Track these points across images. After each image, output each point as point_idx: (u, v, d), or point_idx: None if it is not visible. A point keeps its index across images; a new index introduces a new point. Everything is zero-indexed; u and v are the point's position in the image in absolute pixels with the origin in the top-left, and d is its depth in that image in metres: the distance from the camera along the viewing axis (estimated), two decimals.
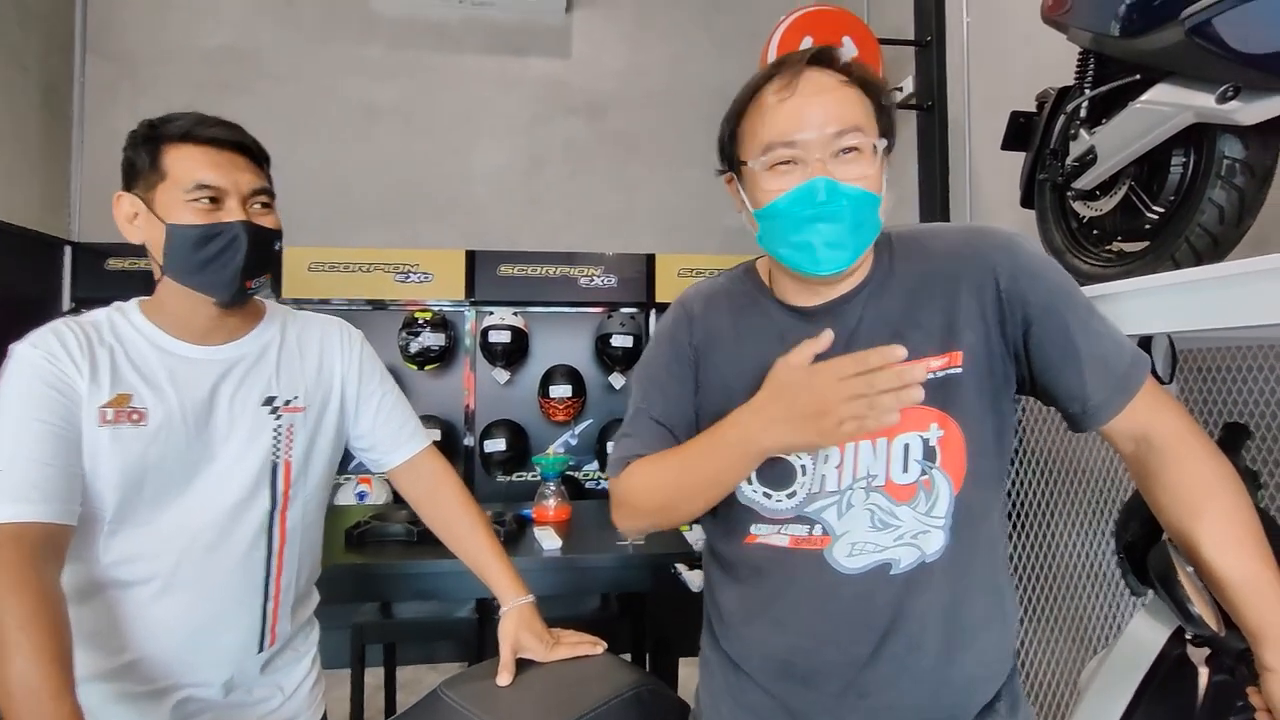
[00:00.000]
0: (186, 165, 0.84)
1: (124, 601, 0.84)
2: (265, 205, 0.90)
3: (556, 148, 3.41)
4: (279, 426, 0.93)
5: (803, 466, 0.74)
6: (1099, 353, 0.71)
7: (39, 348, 0.82)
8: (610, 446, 3.06)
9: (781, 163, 0.70)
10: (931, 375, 0.72)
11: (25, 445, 0.77)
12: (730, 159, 0.78)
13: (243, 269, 0.86)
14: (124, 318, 0.89)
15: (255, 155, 0.90)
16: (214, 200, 0.85)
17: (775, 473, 0.75)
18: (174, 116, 0.87)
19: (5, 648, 0.69)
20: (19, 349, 0.82)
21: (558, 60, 3.42)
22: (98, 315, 0.89)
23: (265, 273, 0.91)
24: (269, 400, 0.93)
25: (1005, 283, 0.73)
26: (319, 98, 3.26)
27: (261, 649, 0.92)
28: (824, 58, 0.72)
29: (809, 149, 0.69)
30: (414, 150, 3.32)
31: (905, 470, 0.72)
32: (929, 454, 0.72)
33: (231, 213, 0.86)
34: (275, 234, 0.91)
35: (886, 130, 0.72)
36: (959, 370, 0.72)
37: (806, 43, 2.41)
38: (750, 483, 0.76)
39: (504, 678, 0.91)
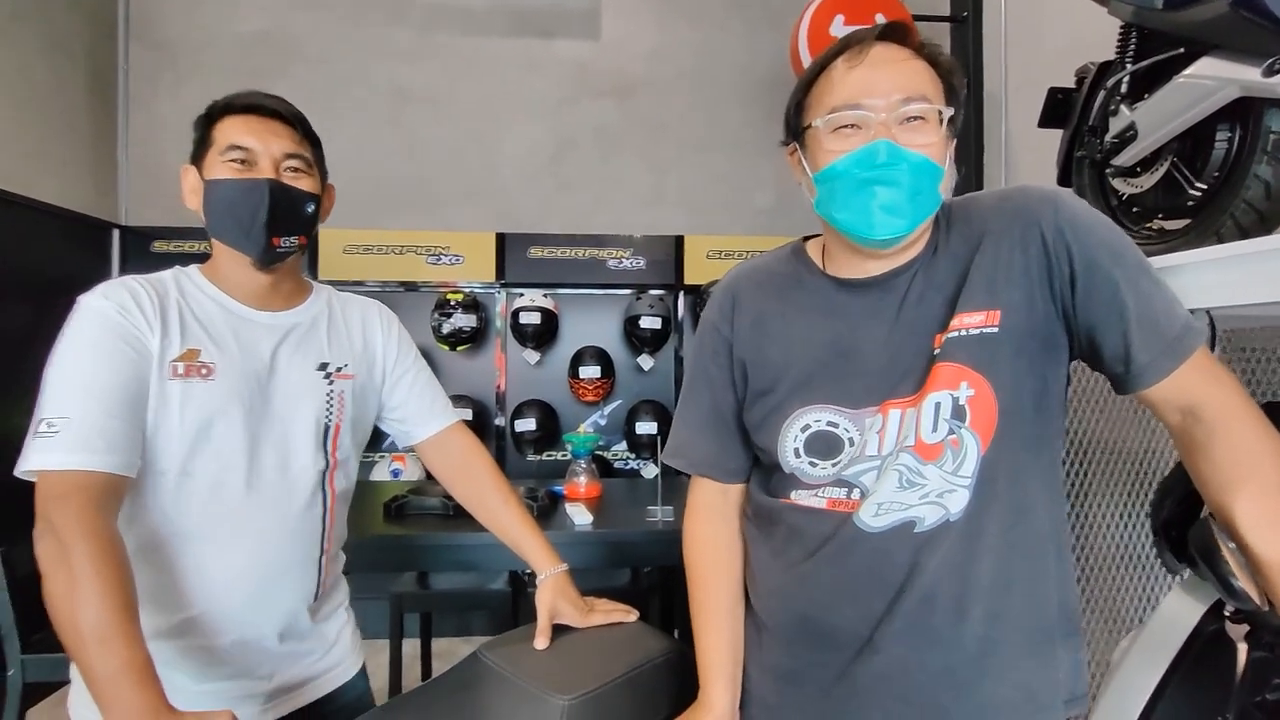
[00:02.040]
0: (227, 131, 0.91)
1: (189, 557, 0.87)
2: (297, 170, 0.93)
3: (585, 130, 3.41)
4: (331, 391, 0.98)
5: (850, 439, 0.75)
6: (1148, 313, 0.69)
7: (111, 299, 0.84)
8: (639, 428, 3.10)
9: (846, 125, 0.71)
10: (965, 333, 0.71)
11: (95, 396, 0.79)
12: (794, 128, 0.78)
13: (267, 223, 0.90)
14: (187, 278, 0.94)
15: (295, 124, 0.94)
16: (245, 161, 0.90)
17: (824, 445, 0.76)
18: (232, 95, 0.93)
19: (78, 593, 0.70)
20: (89, 300, 0.84)
21: (586, 42, 3.42)
22: (163, 274, 0.92)
23: (296, 234, 0.94)
24: (323, 365, 0.98)
25: (1051, 236, 0.71)
26: (351, 82, 3.31)
27: (315, 598, 0.97)
28: (896, 33, 0.72)
29: (874, 113, 0.69)
30: (444, 133, 3.36)
31: (935, 429, 0.71)
32: (958, 413, 0.71)
33: (262, 172, 0.90)
34: (306, 195, 0.94)
35: (954, 106, 0.72)
36: (995, 329, 0.71)
37: (838, 21, 2.38)
38: (798, 455, 0.77)
39: (540, 642, 0.94)
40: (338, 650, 1.02)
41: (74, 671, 0.86)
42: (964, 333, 0.71)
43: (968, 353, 0.71)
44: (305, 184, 0.94)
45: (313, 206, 0.96)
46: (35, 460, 0.76)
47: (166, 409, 0.85)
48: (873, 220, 0.70)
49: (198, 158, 0.93)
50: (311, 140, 0.97)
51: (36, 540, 0.74)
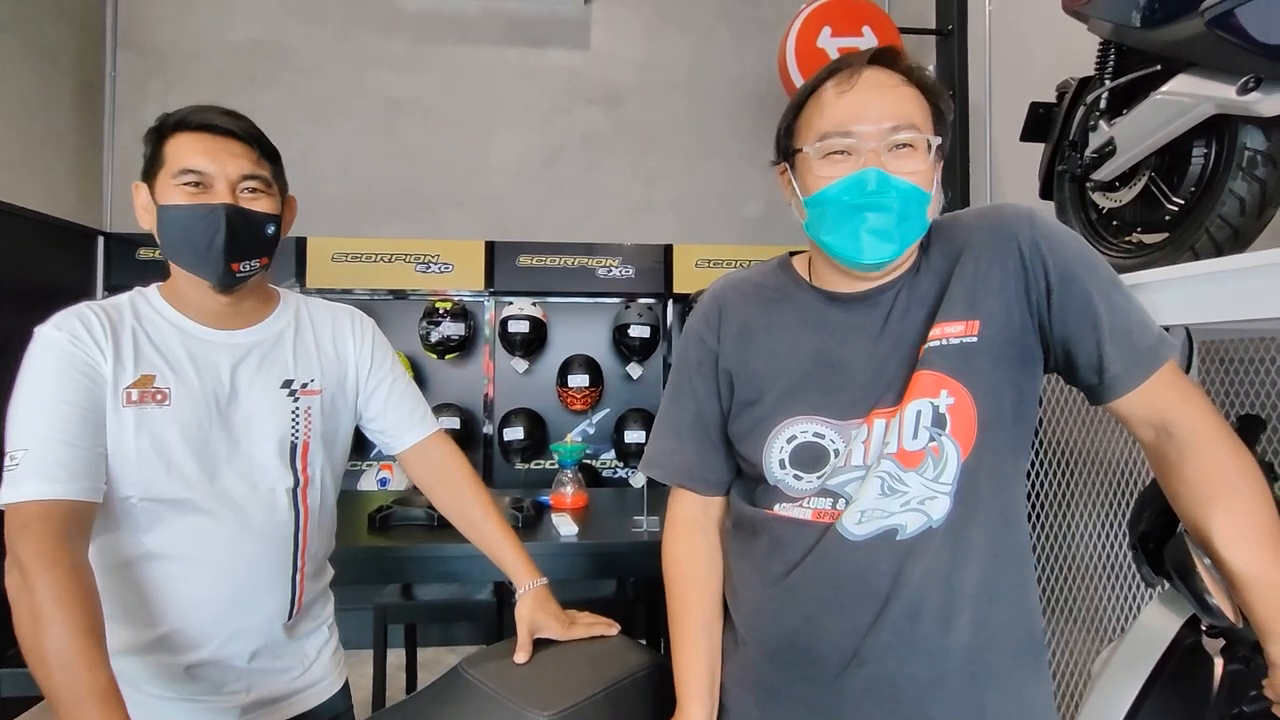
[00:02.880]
0: (178, 151, 0.87)
1: (159, 576, 0.87)
2: (256, 191, 0.91)
3: (575, 139, 3.42)
4: (297, 409, 0.96)
5: (835, 450, 0.75)
6: (1122, 325, 0.71)
7: (63, 329, 0.84)
8: (628, 437, 3.09)
9: (836, 152, 0.72)
10: (945, 342, 0.73)
11: (52, 426, 0.79)
12: (785, 150, 0.79)
13: (225, 250, 0.87)
14: (145, 301, 0.92)
15: (252, 142, 0.91)
16: (199, 184, 0.87)
17: (809, 457, 0.76)
18: (183, 109, 0.89)
19: (41, 621, 0.71)
20: (43, 331, 0.84)
21: (577, 51, 3.43)
22: (120, 299, 0.91)
23: (256, 256, 0.91)
24: (287, 383, 0.96)
25: (1028, 251, 0.73)
26: (343, 91, 3.30)
27: (290, 617, 0.96)
28: (885, 58, 0.73)
29: (864, 140, 0.71)
30: (435, 142, 3.36)
31: (915, 437, 0.72)
32: (938, 421, 0.72)
33: (218, 196, 0.87)
34: (265, 217, 0.91)
35: (942, 133, 0.74)
36: (974, 339, 0.73)
37: (825, 33, 2.40)
38: (783, 467, 0.77)
39: (521, 656, 0.94)
40: (317, 668, 1.01)
41: None
42: (944, 342, 0.73)
43: (948, 361, 0.72)
44: (264, 205, 0.91)
45: (273, 228, 0.93)
46: (2, 495, 0.77)
47: (122, 435, 0.84)
48: (861, 245, 0.72)
49: (149, 175, 0.89)
50: (270, 157, 0.94)
51: (6, 572, 0.75)
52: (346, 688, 1.07)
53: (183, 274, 0.91)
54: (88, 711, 0.68)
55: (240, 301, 0.95)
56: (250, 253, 0.90)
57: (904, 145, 0.71)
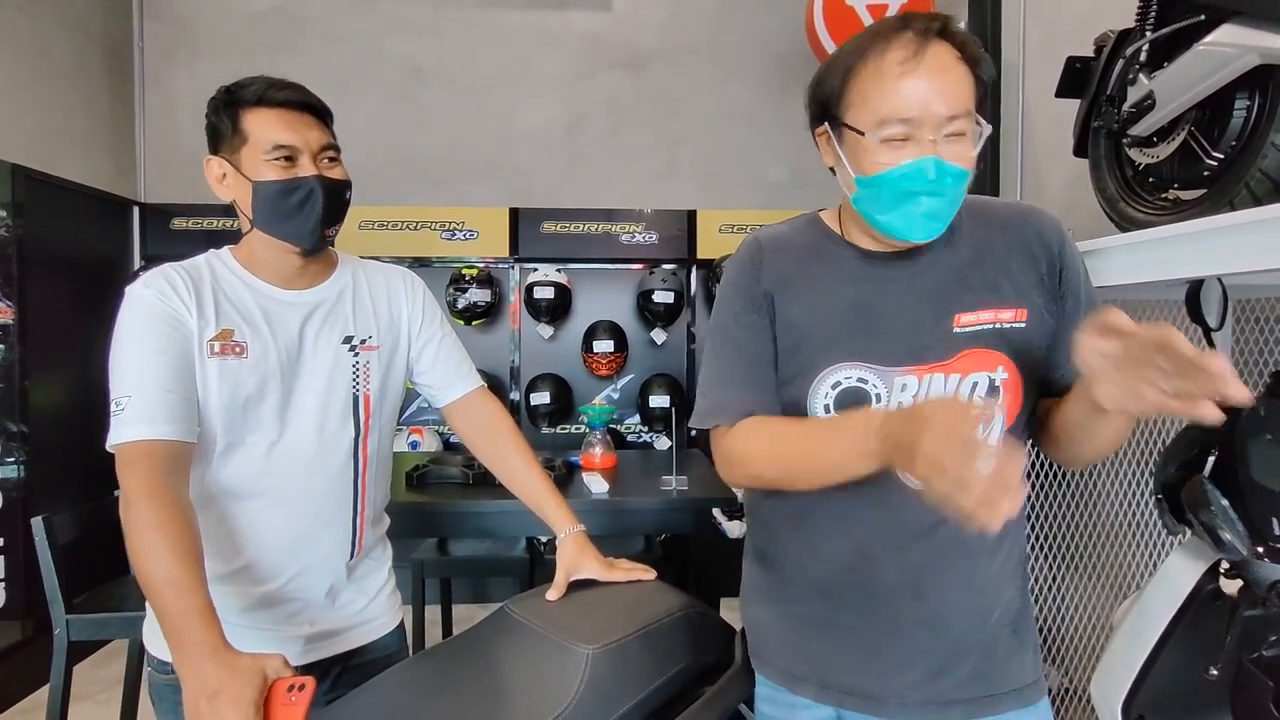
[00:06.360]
0: (264, 128, 0.92)
1: (236, 512, 0.95)
2: (333, 159, 0.98)
3: (598, 104, 3.40)
4: (357, 363, 1.03)
5: (877, 395, 0.80)
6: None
7: (151, 288, 0.91)
8: (652, 402, 3.13)
9: (896, 138, 0.73)
10: (998, 325, 0.80)
11: (148, 374, 0.86)
12: (832, 115, 0.78)
13: (322, 218, 0.95)
14: (220, 262, 0.99)
15: (320, 113, 0.97)
16: (289, 159, 0.93)
17: (851, 401, 0.80)
18: (246, 82, 0.94)
19: (144, 547, 0.78)
20: (133, 289, 0.91)
21: (599, 14, 3.39)
22: (197, 260, 0.98)
23: (340, 221, 0.99)
24: (348, 339, 1.03)
25: (1059, 263, 0.82)
26: (365, 58, 3.30)
27: (352, 556, 1.03)
28: (948, 30, 0.74)
29: (923, 129, 0.72)
30: (458, 109, 3.36)
31: None
32: (993, 392, 0.79)
33: (305, 168, 0.94)
34: (345, 185, 0.99)
35: (982, 97, 0.77)
36: (1024, 325, 0.80)
37: None
38: (827, 411, 0.82)
39: (553, 595, 1.00)
40: (375, 606, 1.08)
41: (149, 606, 0.94)
42: (998, 326, 0.79)
43: (1002, 341, 0.79)
44: (338, 173, 0.99)
45: (349, 193, 1.00)
46: (111, 437, 0.85)
47: (207, 385, 0.91)
48: (914, 225, 0.76)
49: (231, 150, 0.94)
50: (331, 122, 1.00)
51: (120, 504, 0.83)
52: (401, 629, 1.14)
53: (264, 239, 0.97)
54: (189, 628, 0.75)
55: (310, 264, 1.01)
56: (337, 218, 0.99)
57: (958, 134, 0.73)
